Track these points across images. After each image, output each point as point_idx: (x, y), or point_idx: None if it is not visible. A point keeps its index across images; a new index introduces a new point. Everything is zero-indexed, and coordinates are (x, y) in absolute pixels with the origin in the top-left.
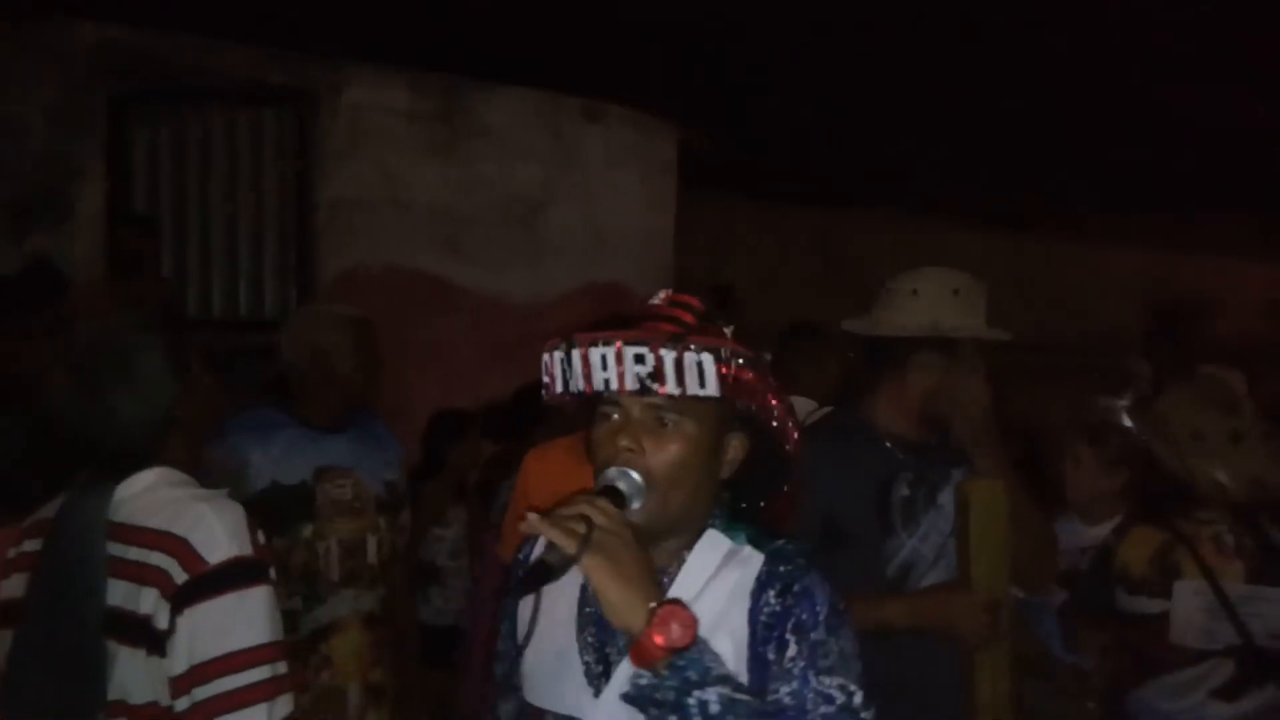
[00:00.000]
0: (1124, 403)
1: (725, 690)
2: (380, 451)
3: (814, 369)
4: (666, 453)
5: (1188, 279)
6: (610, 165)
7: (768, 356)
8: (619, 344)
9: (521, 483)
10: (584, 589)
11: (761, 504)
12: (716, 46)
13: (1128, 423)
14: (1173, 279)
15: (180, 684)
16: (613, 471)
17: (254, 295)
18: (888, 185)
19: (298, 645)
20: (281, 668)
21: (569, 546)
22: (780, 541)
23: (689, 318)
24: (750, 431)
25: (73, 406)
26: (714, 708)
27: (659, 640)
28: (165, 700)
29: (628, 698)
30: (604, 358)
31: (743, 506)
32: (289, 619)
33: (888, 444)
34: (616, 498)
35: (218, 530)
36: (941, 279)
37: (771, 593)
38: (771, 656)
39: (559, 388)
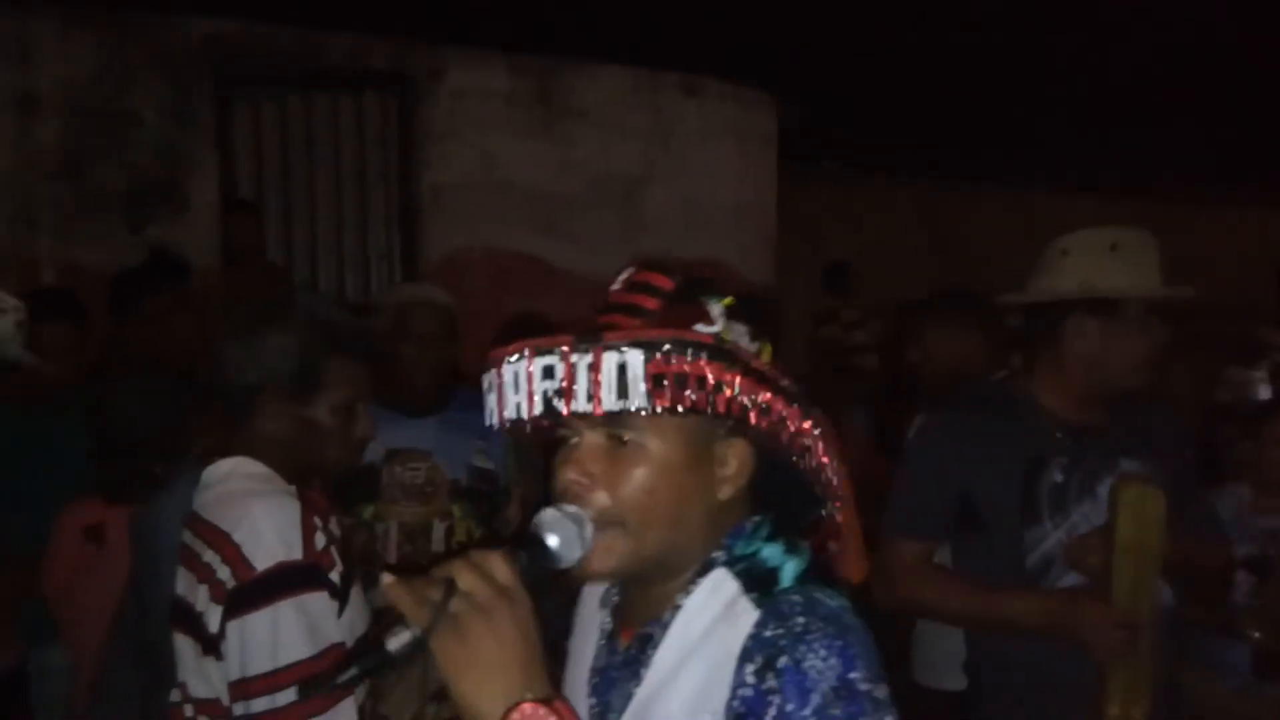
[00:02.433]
0: (1260, 373)
1: None
2: (472, 438)
3: (951, 342)
4: (626, 482)
5: None
6: (708, 140)
7: (750, 349)
8: (529, 355)
9: None
10: (603, 635)
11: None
12: (815, 15)
13: (1265, 394)
14: None
15: (234, 691)
16: (547, 516)
17: (360, 278)
18: (997, 155)
19: None
20: None
21: (417, 621)
22: (790, 588)
23: (652, 302)
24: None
25: (219, 342)
26: None
27: None
28: (226, 702)
29: None
30: (516, 375)
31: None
32: None
33: (1046, 422)
34: (539, 553)
35: (265, 533)
36: (1097, 235)
37: (750, 667)
38: None
39: (489, 419)
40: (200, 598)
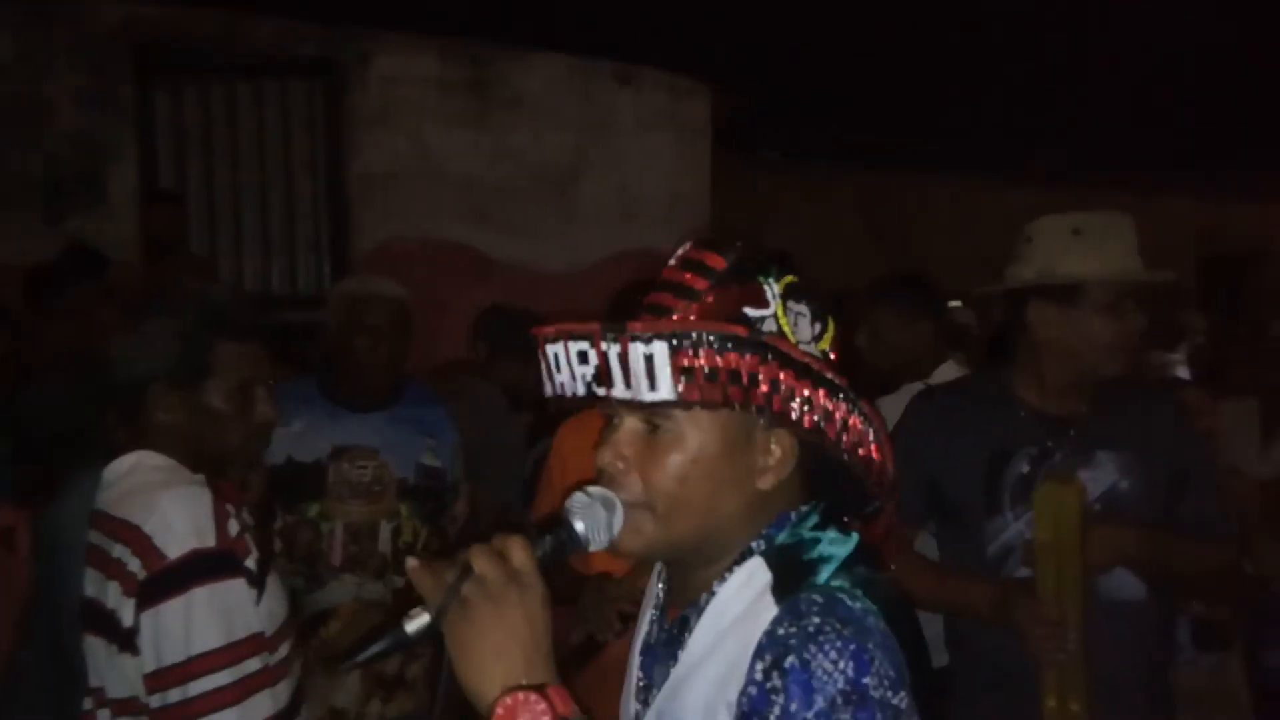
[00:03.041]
0: (1178, 356)
1: None
2: (420, 435)
3: (898, 330)
4: (660, 468)
5: (1240, 229)
6: (643, 130)
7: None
8: (565, 340)
9: (556, 454)
10: (655, 609)
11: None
12: (751, 4)
13: (1184, 375)
14: (1226, 230)
15: (150, 683)
16: (577, 500)
17: (287, 271)
18: (930, 143)
19: (297, 628)
20: (253, 665)
21: (433, 602)
22: (815, 586)
23: (702, 283)
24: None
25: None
26: None
27: None
28: (144, 698)
29: None
30: (557, 357)
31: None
32: (292, 598)
33: (1019, 413)
34: (565, 537)
35: (176, 522)
36: (1060, 220)
37: (760, 665)
38: None
39: (546, 390)
40: (111, 594)
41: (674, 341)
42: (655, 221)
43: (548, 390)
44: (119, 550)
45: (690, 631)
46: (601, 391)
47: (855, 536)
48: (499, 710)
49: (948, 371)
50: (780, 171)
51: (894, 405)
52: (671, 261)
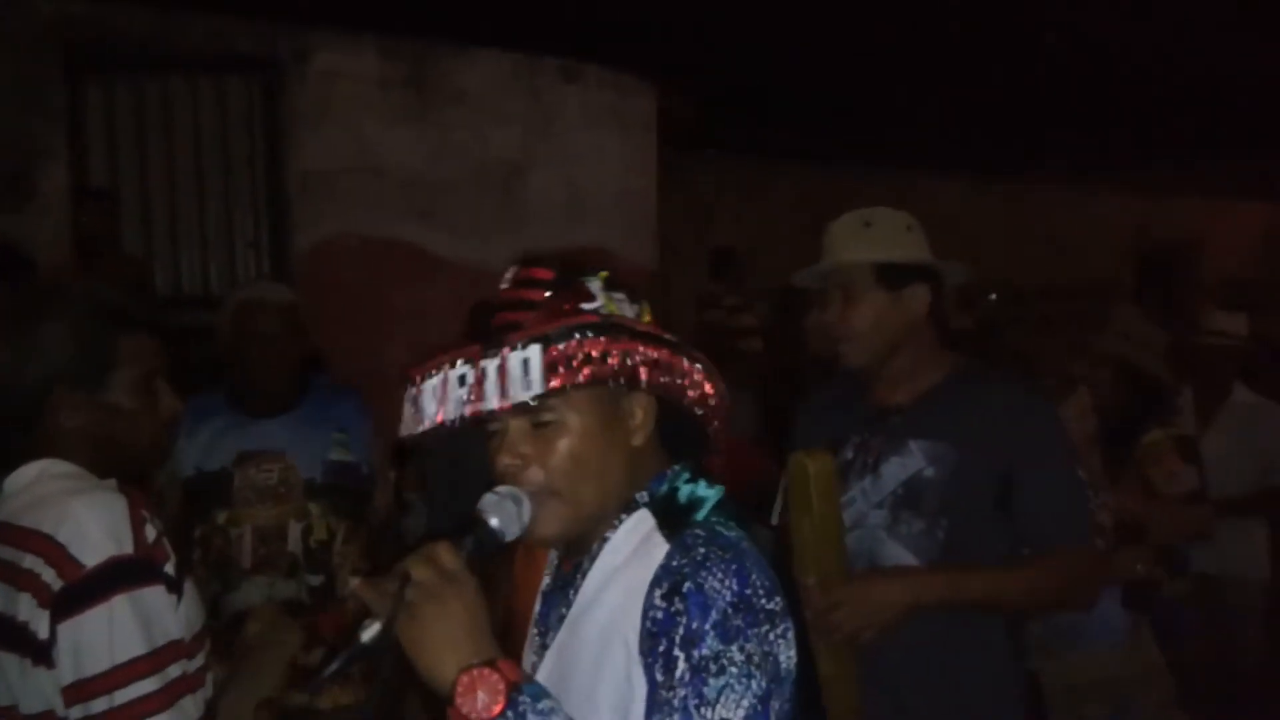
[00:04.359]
0: None
1: None
2: (328, 431)
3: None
4: (554, 454)
5: (1173, 223)
6: (589, 127)
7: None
8: (445, 368)
9: None
10: (550, 572)
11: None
12: (694, 3)
13: None
14: (1158, 224)
15: (69, 695)
16: (488, 500)
17: (226, 271)
18: (876, 140)
19: (217, 631)
20: (175, 671)
21: (381, 612)
22: (696, 523)
23: (538, 294)
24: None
25: None
26: None
27: (464, 711)
28: (62, 710)
29: None
30: (435, 389)
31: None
32: (210, 604)
33: (863, 403)
34: (483, 534)
35: (91, 529)
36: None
37: (659, 592)
38: (659, 677)
39: (406, 430)
40: (23, 607)
41: (544, 341)
42: (602, 219)
43: (413, 428)
44: (30, 561)
45: (584, 576)
46: (470, 410)
47: (720, 486)
48: (459, 688)
49: None
50: (723, 169)
51: None
52: (504, 284)
